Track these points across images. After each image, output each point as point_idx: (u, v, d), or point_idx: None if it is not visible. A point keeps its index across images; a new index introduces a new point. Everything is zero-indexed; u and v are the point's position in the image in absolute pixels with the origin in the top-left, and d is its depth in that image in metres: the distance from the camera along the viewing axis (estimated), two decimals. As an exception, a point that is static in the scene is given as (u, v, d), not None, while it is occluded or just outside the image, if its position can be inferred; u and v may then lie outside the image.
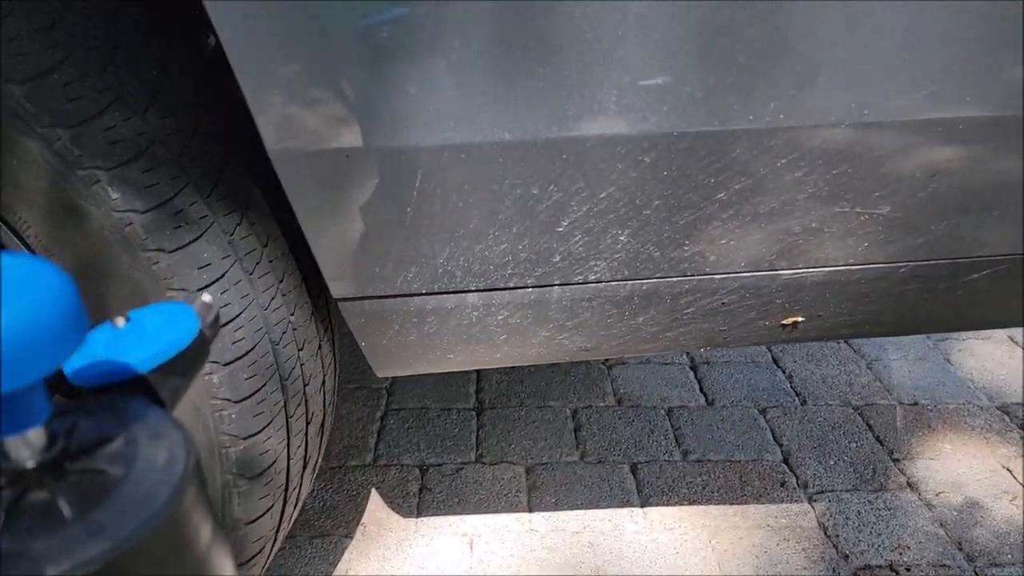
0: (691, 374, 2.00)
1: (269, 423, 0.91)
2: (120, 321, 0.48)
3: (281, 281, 0.93)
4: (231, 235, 0.86)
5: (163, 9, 0.97)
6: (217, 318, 0.54)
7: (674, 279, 0.87)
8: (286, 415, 0.95)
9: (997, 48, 0.72)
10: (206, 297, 0.54)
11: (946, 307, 0.93)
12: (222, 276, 0.84)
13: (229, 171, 0.89)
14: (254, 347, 0.87)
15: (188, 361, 0.50)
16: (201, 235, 0.83)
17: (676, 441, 1.74)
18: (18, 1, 0.76)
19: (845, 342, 2.14)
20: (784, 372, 2.01)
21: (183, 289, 0.81)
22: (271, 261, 0.92)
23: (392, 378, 1.98)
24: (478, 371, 2.01)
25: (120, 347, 0.47)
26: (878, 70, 0.72)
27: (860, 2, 0.69)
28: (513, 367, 2.02)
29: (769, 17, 0.70)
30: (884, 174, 0.79)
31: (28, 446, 0.39)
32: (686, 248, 0.84)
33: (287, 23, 0.69)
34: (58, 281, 0.36)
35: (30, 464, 0.39)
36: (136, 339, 0.47)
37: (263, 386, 0.89)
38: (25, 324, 0.34)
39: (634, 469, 1.65)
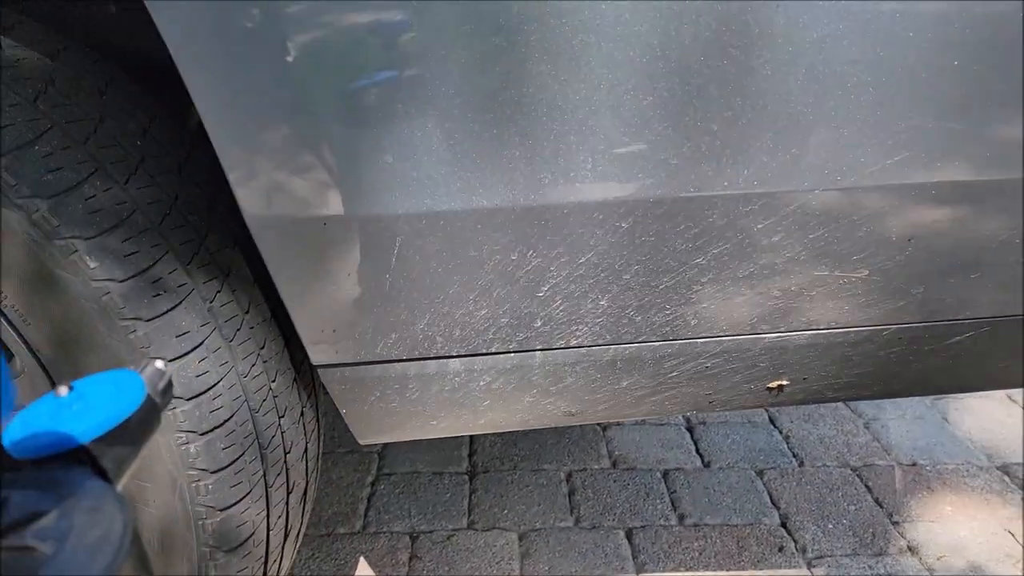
0: (687, 435, 1.98)
1: (247, 494, 0.90)
2: (63, 390, 0.47)
3: (262, 347, 0.93)
4: (211, 302, 0.86)
5: (149, 80, 0.99)
6: (169, 385, 0.53)
7: (656, 343, 0.86)
8: (265, 485, 0.93)
9: (969, 114, 0.73)
10: (159, 363, 0.53)
11: (931, 370, 0.92)
12: (200, 344, 0.84)
13: (210, 238, 0.89)
14: (232, 416, 0.86)
15: (135, 430, 0.49)
16: (180, 303, 0.83)
17: (672, 505, 1.71)
18: (4, 73, 0.78)
19: (842, 402, 2.12)
20: (781, 432, 1.99)
21: (160, 358, 0.80)
22: (252, 327, 0.91)
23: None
24: (471, 434, 1.98)
25: (62, 417, 0.46)
26: (850, 137, 0.73)
27: (831, 69, 0.70)
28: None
29: (741, 85, 0.70)
30: (861, 238, 0.79)
31: None
32: (667, 312, 0.83)
33: (264, 93, 0.70)
34: None
35: None
36: (79, 409, 0.46)
37: (241, 455, 0.88)
38: None
39: (629, 535, 1.62)
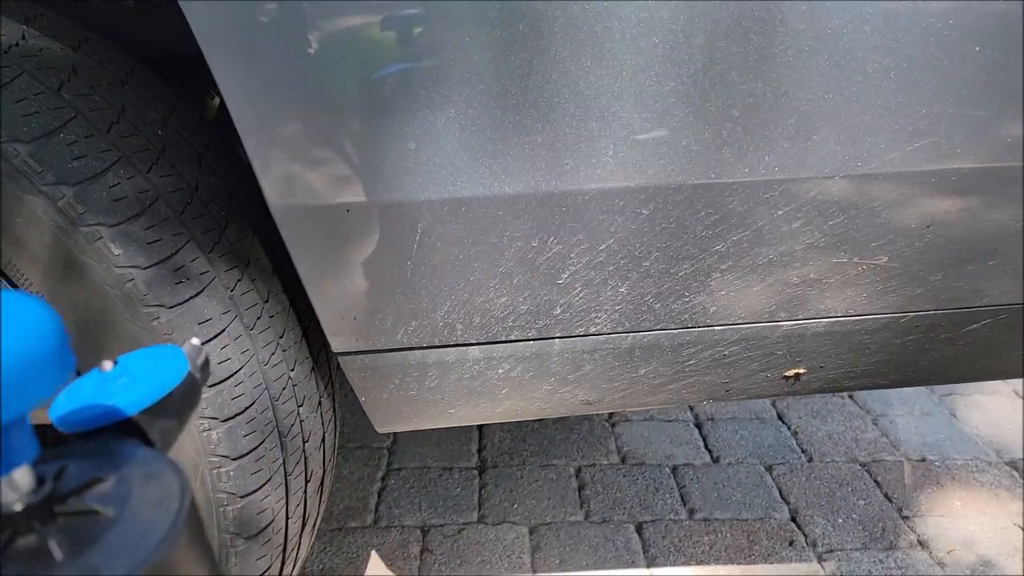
0: (696, 431, 1.98)
1: (267, 481, 0.90)
2: (108, 365, 0.48)
3: (281, 336, 0.93)
4: (232, 290, 0.87)
5: (169, 70, 0.99)
6: (207, 361, 0.54)
7: (675, 331, 0.87)
8: (285, 473, 0.94)
9: (989, 100, 0.74)
10: (195, 340, 0.54)
11: (947, 358, 0.93)
12: (222, 331, 0.84)
13: (231, 227, 0.90)
14: (253, 403, 0.87)
15: (178, 404, 0.49)
16: (202, 291, 0.83)
17: (682, 499, 1.71)
18: (28, 62, 0.78)
19: (850, 397, 2.12)
20: (789, 428, 1.99)
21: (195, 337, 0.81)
22: (271, 316, 0.92)
23: (393, 437, 1.96)
24: (480, 429, 1.99)
25: (107, 392, 0.46)
26: (871, 122, 0.73)
27: (851, 56, 0.71)
28: (516, 424, 2.00)
29: (763, 71, 0.71)
30: (880, 225, 0.79)
31: (15, 489, 0.39)
32: (686, 299, 0.84)
33: (289, 81, 0.70)
34: (45, 317, 0.37)
35: (18, 507, 0.38)
36: (124, 383, 0.47)
37: (262, 443, 0.88)
38: (10, 357, 0.34)
39: (639, 529, 1.62)
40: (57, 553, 0.37)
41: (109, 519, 0.39)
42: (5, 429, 0.37)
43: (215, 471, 0.86)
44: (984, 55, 0.72)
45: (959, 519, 1.64)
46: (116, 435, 0.46)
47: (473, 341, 0.87)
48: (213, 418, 0.84)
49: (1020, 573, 1.49)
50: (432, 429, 1.98)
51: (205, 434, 0.84)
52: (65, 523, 0.39)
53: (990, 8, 0.70)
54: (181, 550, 0.39)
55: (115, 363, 0.48)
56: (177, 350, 0.51)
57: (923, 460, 1.85)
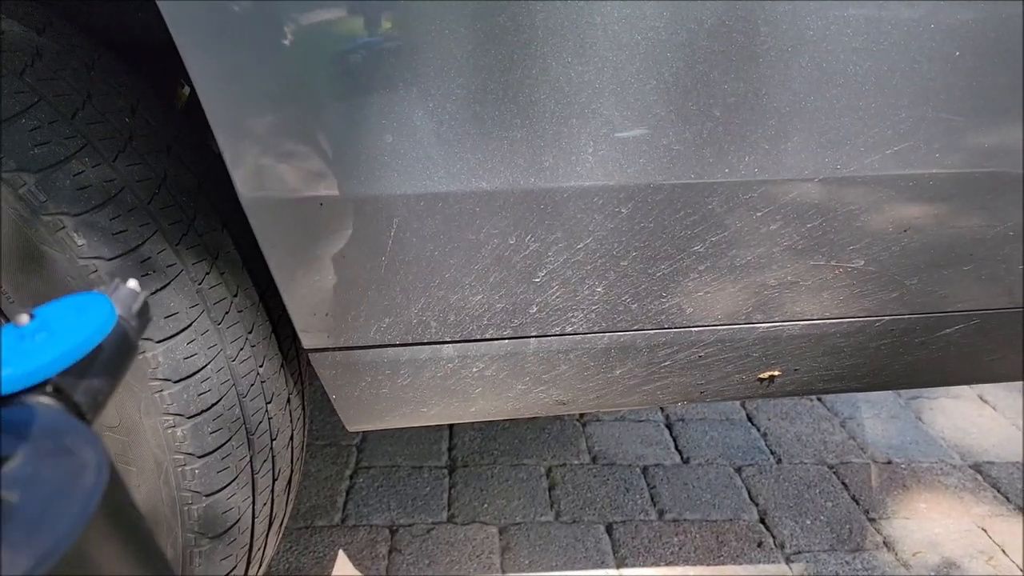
0: (666, 432, 1.98)
1: (234, 479, 0.88)
2: (23, 319, 0.41)
3: (250, 332, 0.91)
4: (200, 284, 0.84)
5: (137, 58, 0.97)
6: (145, 307, 0.47)
7: (651, 331, 0.86)
8: (252, 471, 0.91)
9: (967, 106, 0.74)
10: (132, 283, 0.47)
11: (921, 362, 0.93)
12: (189, 326, 0.82)
13: (200, 219, 0.87)
14: (220, 399, 0.85)
15: (108, 360, 0.43)
16: (169, 283, 0.81)
17: (652, 500, 1.71)
18: (-11, 45, 0.76)
19: (818, 399, 2.14)
20: (759, 430, 2.00)
21: (148, 338, 0.79)
22: (240, 311, 0.90)
23: (362, 435, 1.93)
24: (451, 428, 1.97)
25: (23, 350, 0.40)
26: (850, 126, 0.73)
27: (833, 59, 0.70)
28: (486, 423, 1.99)
29: (744, 72, 0.71)
30: (857, 228, 0.79)
31: None
32: (663, 300, 0.83)
33: (263, 72, 0.68)
34: None
35: None
36: (42, 339, 0.41)
37: (228, 440, 0.86)
38: None
39: (609, 529, 1.62)
40: None
41: (10, 505, 0.33)
42: None
43: (180, 469, 0.83)
44: (964, 61, 0.72)
45: (924, 521, 1.66)
46: (33, 401, 0.40)
47: (447, 339, 0.86)
48: (179, 415, 0.81)
49: (984, 574, 1.51)
50: (402, 428, 1.96)
51: (170, 431, 0.82)
52: None
53: (970, 14, 0.70)
54: (100, 540, 0.34)
55: (31, 316, 0.42)
56: (103, 298, 0.44)
57: (889, 463, 1.87)
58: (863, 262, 0.81)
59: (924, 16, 0.69)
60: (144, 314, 0.47)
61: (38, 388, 0.40)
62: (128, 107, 0.87)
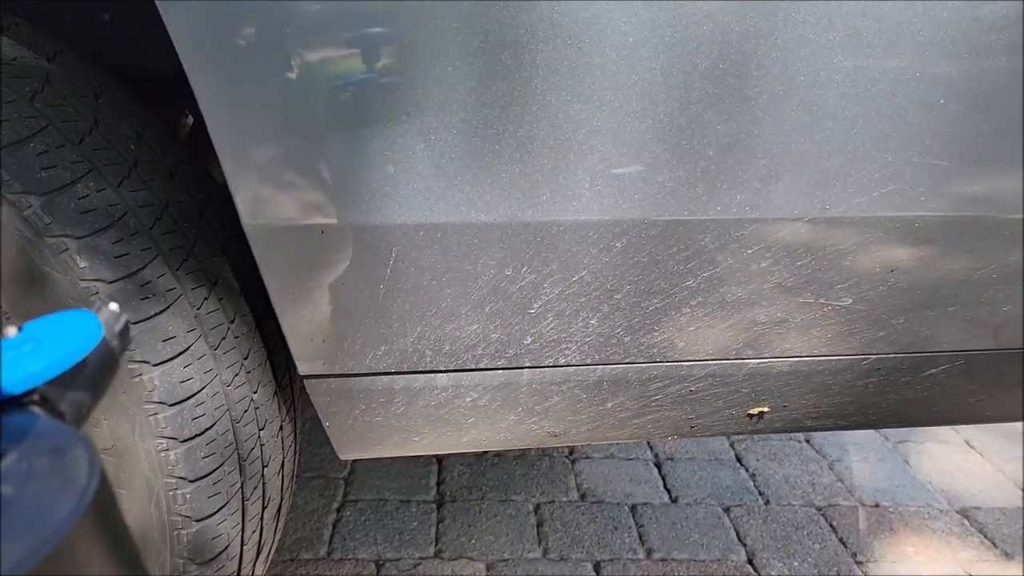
0: (655, 470, 1.98)
1: (224, 505, 0.88)
2: (11, 331, 0.44)
3: (246, 358, 0.92)
4: (198, 309, 0.85)
5: (143, 86, 0.99)
6: (126, 327, 0.49)
7: (643, 364, 0.87)
8: (243, 498, 0.91)
9: (952, 152, 0.77)
10: (113, 305, 0.49)
11: (907, 401, 0.94)
12: (186, 350, 0.83)
13: (199, 246, 0.88)
14: (214, 424, 0.85)
15: (91, 374, 0.45)
16: (167, 307, 0.82)
17: (640, 539, 1.71)
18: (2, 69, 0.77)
19: (807, 441, 2.15)
20: (748, 470, 2.00)
21: (144, 361, 0.79)
22: (237, 337, 0.90)
23: (350, 467, 1.92)
24: (439, 462, 1.97)
25: (11, 360, 0.42)
26: (839, 168, 0.76)
27: (821, 103, 0.73)
28: (475, 458, 1.98)
29: (738, 113, 0.73)
30: (845, 267, 0.81)
31: None
32: (655, 334, 0.85)
33: (270, 101, 0.70)
34: None
35: None
36: (29, 351, 0.42)
37: (220, 465, 0.86)
38: None
39: (597, 567, 1.61)
40: None
41: (6, 498, 0.35)
42: None
43: (171, 492, 0.83)
44: (949, 108, 0.74)
45: (911, 565, 1.66)
46: (20, 408, 0.42)
47: (442, 368, 0.86)
48: (172, 438, 0.82)
49: (970, 620, 1.50)
50: (390, 460, 1.95)
51: (163, 454, 0.82)
52: None
53: (958, 62, 0.73)
54: (89, 535, 0.36)
55: (20, 329, 0.44)
56: (90, 315, 0.47)
57: (877, 506, 1.87)
58: (851, 300, 0.83)
59: (909, 64, 0.72)
60: (125, 335, 0.49)
61: (25, 396, 0.42)
62: (133, 134, 0.88)
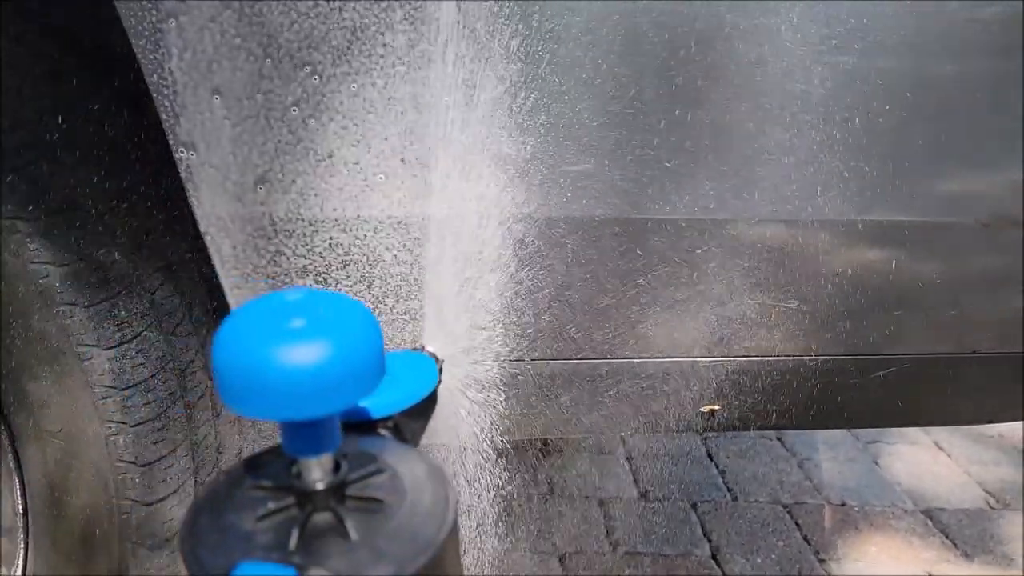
0: (626, 465, 1.99)
1: (176, 490, 0.88)
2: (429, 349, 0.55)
3: (203, 345, 0.92)
4: (153, 295, 0.85)
5: (104, 70, 0.98)
6: (442, 368, 0.61)
7: (595, 360, 0.88)
8: (195, 483, 0.92)
9: (904, 157, 0.78)
10: (431, 348, 0.61)
11: (855, 403, 0.95)
12: (139, 334, 0.83)
13: (158, 231, 0.89)
14: (166, 409, 0.85)
15: (425, 406, 0.55)
16: (121, 292, 0.82)
17: (607, 532, 1.72)
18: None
19: (778, 439, 2.16)
20: (718, 467, 2.02)
21: (95, 346, 0.80)
22: (194, 323, 0.91)
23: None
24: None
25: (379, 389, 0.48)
26: (788, 171, 0.76)
27: (776, 105, 0.74)
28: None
29: (690, 114, 0.74)
30: (795, 269, 0.82)
31: (321, 469, 0.43)
32: (606, 330, 0.85)
33: (222, 88, 0.70)
34: (372, 322, 0.41)
35: (319, 486, 0.42)
36: (386, 383, 0.48)
37: (173, 451, 0.87)
38: (350, 356, 0.38)
39: (563, 559, 1.62)
40: (353, 533, 0.41)
41: (392, 508, 0.43)
42: (329, 420, 0.41)
43: (120, 476, 0.84)
44: (904, 113, 0.75)
45: (874, 564, 1.68)
46: (374, 431, 0.51)
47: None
48: (122, 422, 0.82)
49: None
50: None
51: (112, 438, 0.82)
52: (354, 506, 0.43)
53: (914, 69, 0.74)
54: (450, 548, 0.42)
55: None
56: (431, 360, 0.58)
57: (843, 505, 1.89)
58: (798, 302, 0.84)
59: (868, 70, 0.73)
60: (440, 373, 0.61)
61: (380, 421, 0.52)
62: (94, 117, 0.88)
